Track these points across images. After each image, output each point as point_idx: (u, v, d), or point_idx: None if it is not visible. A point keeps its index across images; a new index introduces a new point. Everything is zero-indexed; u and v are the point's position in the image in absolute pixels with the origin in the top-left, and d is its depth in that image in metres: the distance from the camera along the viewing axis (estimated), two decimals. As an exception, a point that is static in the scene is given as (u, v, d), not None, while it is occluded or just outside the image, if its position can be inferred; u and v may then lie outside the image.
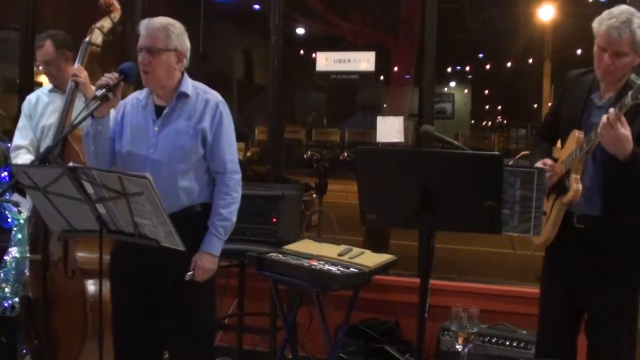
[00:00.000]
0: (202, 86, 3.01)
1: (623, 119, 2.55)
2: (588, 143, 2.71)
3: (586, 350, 2.89)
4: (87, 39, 3.64)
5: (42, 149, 3.64)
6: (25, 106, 3.86)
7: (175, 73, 2.92)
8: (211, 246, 2.93)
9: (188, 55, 2.96)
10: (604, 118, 2.57)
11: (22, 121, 3.84)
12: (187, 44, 2.95)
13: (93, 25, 3.67)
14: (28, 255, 3.74)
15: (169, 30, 2.88)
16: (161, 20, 2.92)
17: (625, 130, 2.55)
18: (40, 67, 3.85)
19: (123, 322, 2.96)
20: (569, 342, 2.93)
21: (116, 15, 3.65)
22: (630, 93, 2.51)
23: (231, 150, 2.99)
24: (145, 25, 2.90)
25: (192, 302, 2.93)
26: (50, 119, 3.73)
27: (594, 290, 2.81)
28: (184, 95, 2.93)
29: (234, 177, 2.98)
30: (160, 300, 2.93)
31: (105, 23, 3.64)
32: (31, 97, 3.88)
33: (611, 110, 2.56)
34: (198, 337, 2.96)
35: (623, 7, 2.69)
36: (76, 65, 3.61)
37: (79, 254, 3.44)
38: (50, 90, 3.85)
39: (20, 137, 3.79)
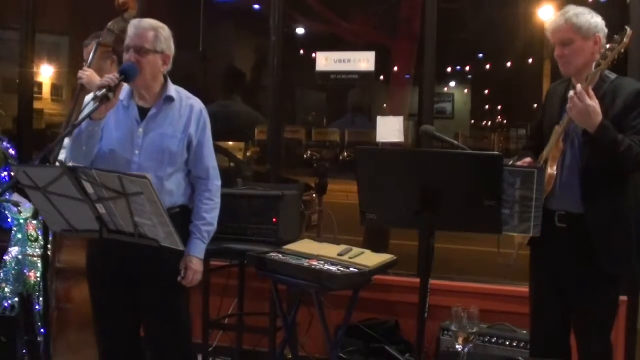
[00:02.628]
0: (184, 91, 3.06)
1: (591, 92, 2.64)
2: (562, 125, 2.79)
3: (577, 349, 2.92)
4: (98, 39, 3.64)
5: None
6: None
7: (159, 76, 2.96)
8: (197, 250, 2.98)
9: (171, 60, 2.98)
10: (572, 92, 2.67)
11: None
12: (173, 48, 2.98)
13: (107, 26, 3.66)
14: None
15: (158, 33, 2.91)
16: (151, 21, 2.96)
17: (594, 103, 2.63)
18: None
19: (105, 322, 2.99)
20: (562, 340, 2.95)
21: (132, 13, 3.62)
22: (593, 64, 2.66)
23: (213, 157, 3.06)
24: (135, 25, 2.93)
25: (173, 306, 2.96)
26: None
27: (580, 289, 2.84)
28: (170, 99, 2.96)
29: (216, 184, 3.05)
30: (141, 302, 2.95)
31: (118, 23, 3.63)
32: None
33: (579, 85, 2.66)
34: (178, 337, 2.99)
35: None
36: (87, 65, 3.59)
37: (62, 255, 3.49)
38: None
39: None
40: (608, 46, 2.70)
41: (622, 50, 2.69)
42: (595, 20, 2.81)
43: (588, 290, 2.82)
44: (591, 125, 2.65)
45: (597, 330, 2.86)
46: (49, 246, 3.51)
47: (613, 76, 2.83)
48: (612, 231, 2.78)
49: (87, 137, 2.86)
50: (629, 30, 2.67)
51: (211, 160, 3.04)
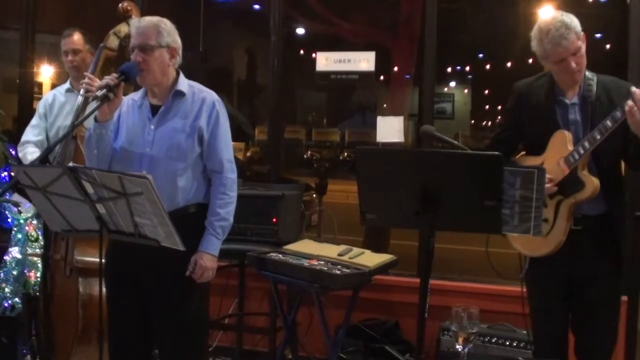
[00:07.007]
0: (197, 85, 3.02)
1: None
2: (596, 137, 2.73)
3: (574, 347, 2.95)
4: (102, 44, 3.62)
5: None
6: (41, 105, 3.84)
7: (169, 70, 2.93)
8: (210, 246, 2.91)
9: (180, 51, 2.96)
10: (635, 91, 2.61)
11: (35, 119, 3.83)
12: (179, 40, 2.95)
13: (110, 31, 3.64)
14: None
15: (159, 28, 2.88)
16: (151, 18, 2.94)
17: None
18: (67, 58, 3.80)
19: (117, 322, 2.95)
20: (564, 339, 2.98)
21: (135, 20, 3.61)
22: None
23: (228, 150, 2.99)
24: (136, 25, 2.92)
25: (185, 304, 2.92)
26: (67, 119, 3.68)
27: (587, 288, 2.88)
28: (180, 94, 2.94)
29: (231, 177, 2.97)
30: (154, 301, 2.92)
31: (122, 28, 3.60)
32: (48, 97, 3.85)
33: (637, 89, 2.62)
34: (189, 339, 2.95)
35: (547, 19, 2.87)
36: (90, 70, 3.52)
37: (78, 254, 3.46)
38: (67, 90, 3.82)
39: (31, 134, 3.78)
40: None
41: None
42: (576, 20, 2.83)
43: (594, 286, 2.87)
44: None
45: (605, 323, 2.91)
46: (62, 248, 3.51)
47: (592, 74, 2.87)
48: (621, 230, 2.87)
49: (96, 140, 2.86)
50: None
51: (226, 153, 2.96)
